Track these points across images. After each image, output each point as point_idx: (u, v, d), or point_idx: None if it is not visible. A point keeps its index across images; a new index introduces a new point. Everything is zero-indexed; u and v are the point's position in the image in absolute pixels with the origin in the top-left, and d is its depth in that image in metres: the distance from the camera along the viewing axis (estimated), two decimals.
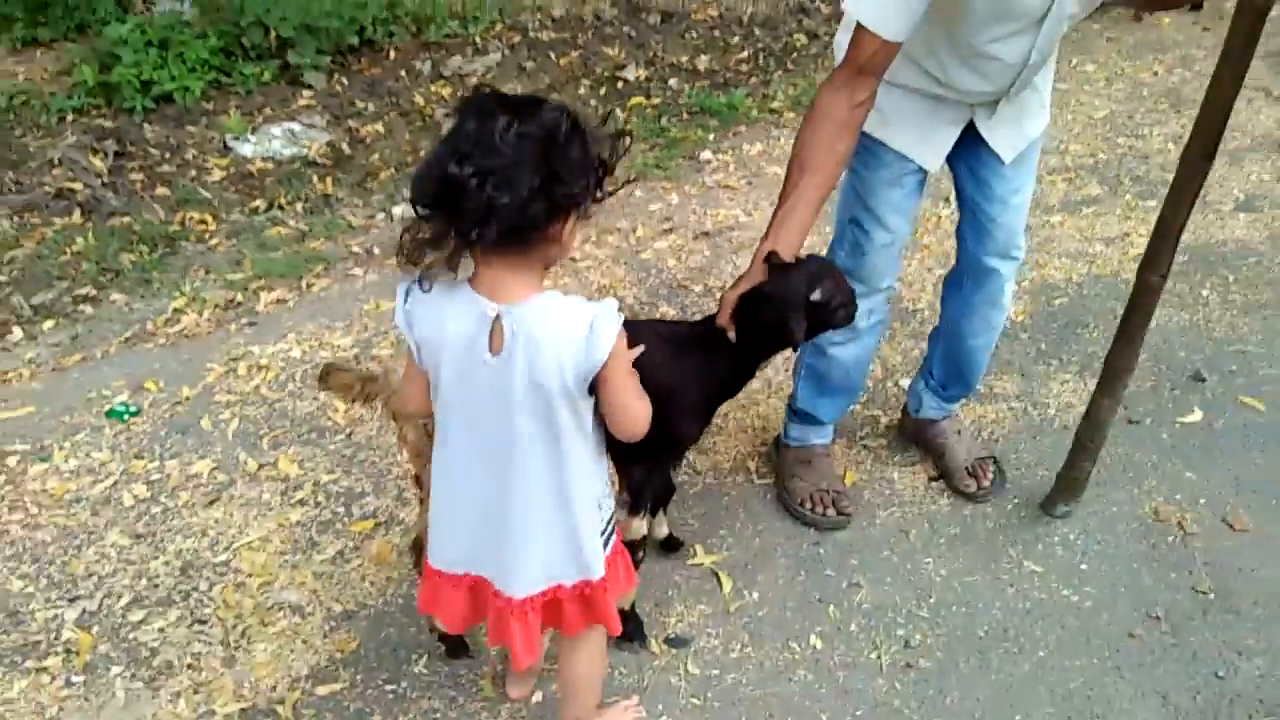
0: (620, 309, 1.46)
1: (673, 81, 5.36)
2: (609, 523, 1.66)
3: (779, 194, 1.89)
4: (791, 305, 1.82)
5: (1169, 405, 2.80)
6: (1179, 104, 4.66)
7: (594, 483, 1.59)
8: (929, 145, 2.12)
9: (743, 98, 5.01)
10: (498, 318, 1.42)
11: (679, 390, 1.87)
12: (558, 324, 1.42)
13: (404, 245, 1.40)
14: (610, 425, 1.56)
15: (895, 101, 2.07)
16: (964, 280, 2.36)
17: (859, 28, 1.77)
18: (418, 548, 2.03)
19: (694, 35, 5.97)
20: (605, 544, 1.64)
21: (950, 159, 2.22)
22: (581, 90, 5.25)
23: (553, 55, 5.63)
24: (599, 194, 1.43)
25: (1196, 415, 2.75)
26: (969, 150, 2.17)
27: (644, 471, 1.99)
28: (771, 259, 1.84)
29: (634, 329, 1.55)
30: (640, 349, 1.62)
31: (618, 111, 4.85)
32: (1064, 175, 4.06)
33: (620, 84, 5.34)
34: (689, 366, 1.89)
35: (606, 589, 1.64)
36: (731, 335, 1.88)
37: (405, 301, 1.47)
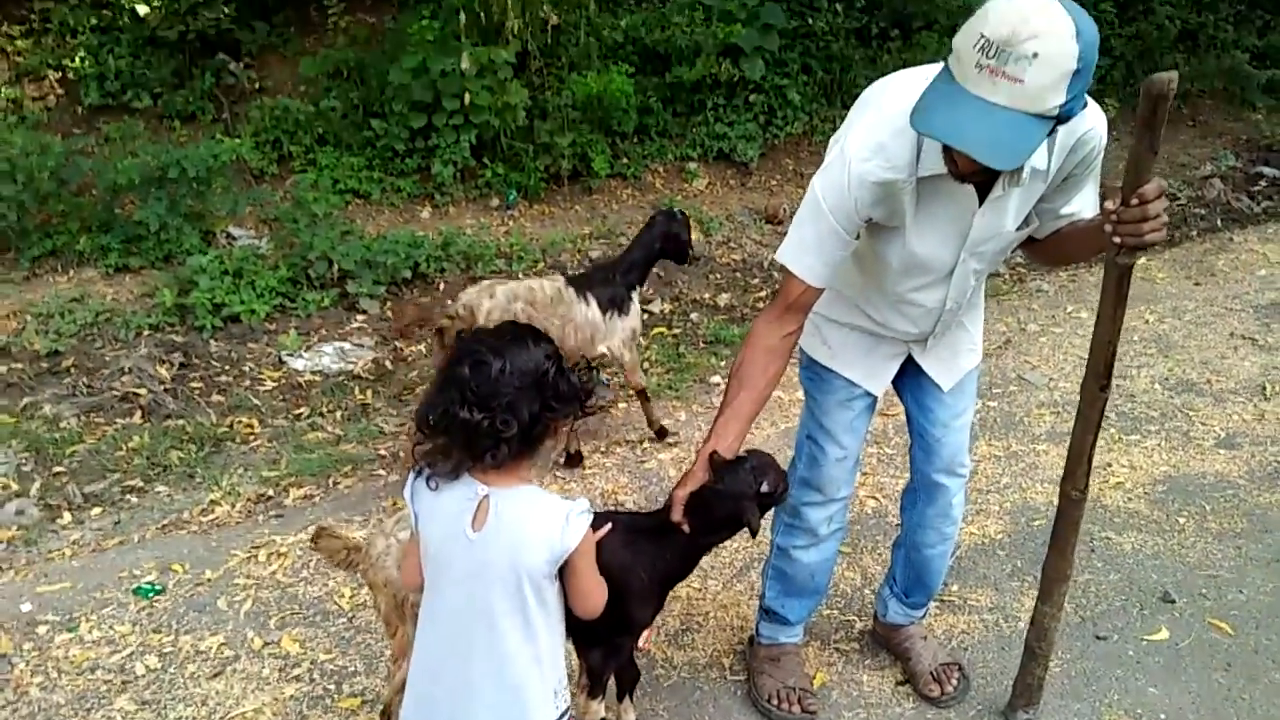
0: (590, 507, 1.69)
1: (694, 315, 5.81)
2: (563, 715, 1.77)
3: (720, 404, 2.16)
4: (745, 498, 2.05)
5: (1137, 623, 2.88)
6: (1167, 349, 4.93)
7: (553, 670, 1.74)
8: (873, 374, 2.40)
9: None
10: (485, 498, 1.66)
11: (635, 576, 2.07)
12: (538, 512, 1.65)
13: (415, 455, 1.68)
14: (573, 604, 1.76)
15: (843, 337, 2.39)
16: (918, 495, 2.56)
17: (788, 274, 2.10)
18: (386, 715, 2.17)
19: (718, 276, 6.49)
20: None
21: (898, 388, 2.50)
22: None
23: None
24: (582, 411, 1.71)
25: (1163, 634, 2.83)
26: (913, 380, 2.45)
27: (602, 654, 2.15)
28: (714, 458, 2.09)
29: (597, 518, 1.79)
30: (607, 528, 1.85)
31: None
32: (1051, 409, 4.29)
33: (646, 316, 5.79)
34: (644, 555, 2.08)
35: None
36: (686, 529, 2.09)
37: (414, 479, 1.71)
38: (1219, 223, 7.45)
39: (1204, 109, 10.65)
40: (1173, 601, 2.97)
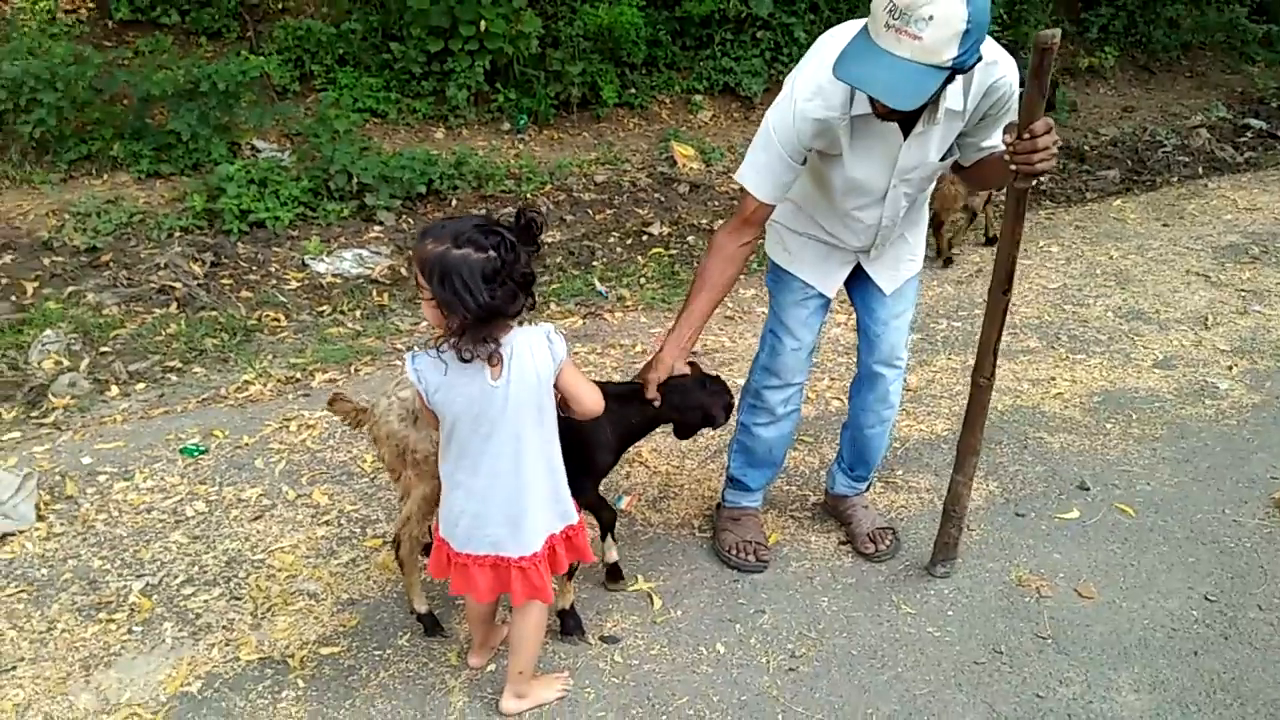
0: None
1: (691, 238, 6.17)
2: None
3: (684, 302, 2.57)
4: (704, 407, 2.60)
5: (1053, 505, 3.30)
6: (1125, 282, 5.30)
7: (559, 452, 2.25)
8: (827, 278, 2.79)
9: None
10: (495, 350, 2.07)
11: (602, 430, 2.49)
12: (532, 339, 2.12)
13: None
14: (575, 408, 2.24)
15: (801, 245, 2.77)
16: (861, 384, 2.97)
17: (745, 193, 2.48)
18: (397, 544, 2.61)
19: (716, 204, 6.84)
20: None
21: (849, 291, 2.89)
22: (611, 240, 6.08)
23: (590, 211, 6.51)
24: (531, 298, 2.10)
25: (1074, 514, 3.25)
26: (861, 284, 2.84)
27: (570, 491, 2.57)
28: (692, 365, 2.58)
29: None
30: None
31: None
32: (1009, 330, 4.67)
33: (645, 237, 6.17)
34: (612, 413, 2.47)
35: (580, 529, 2.32)
36: (657, 404, 2.55)
37: (414, 363, 2.13)
38: (1200, 170, 7.74)
39: (1203, 61, 10.87)
40: (1087, 489, 3.39)
